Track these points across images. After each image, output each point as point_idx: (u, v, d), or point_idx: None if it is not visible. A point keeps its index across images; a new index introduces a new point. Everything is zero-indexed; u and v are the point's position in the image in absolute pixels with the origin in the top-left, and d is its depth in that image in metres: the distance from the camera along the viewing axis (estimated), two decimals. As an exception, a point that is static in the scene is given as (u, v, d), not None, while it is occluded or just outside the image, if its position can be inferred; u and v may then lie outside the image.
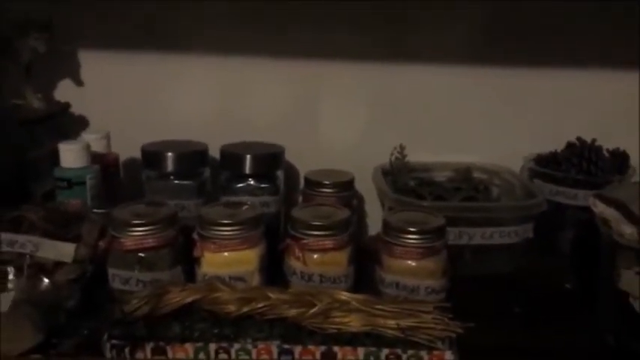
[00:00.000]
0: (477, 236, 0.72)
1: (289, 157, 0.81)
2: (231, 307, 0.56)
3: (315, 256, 0.63)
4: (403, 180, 0.81)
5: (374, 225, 0.85)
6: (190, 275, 0.64)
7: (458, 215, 0.71)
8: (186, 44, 0.85)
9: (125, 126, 0.83)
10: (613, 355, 0.60)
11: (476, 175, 0.85)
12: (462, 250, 0.73)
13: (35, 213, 0.65)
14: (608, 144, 0.81)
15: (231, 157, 0.76)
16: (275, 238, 0.70)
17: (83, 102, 0.86)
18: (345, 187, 0.79)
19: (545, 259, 0.78)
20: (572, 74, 0.84)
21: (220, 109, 0.87)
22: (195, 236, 0.64)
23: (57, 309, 0.59)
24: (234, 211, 0.66)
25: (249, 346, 0.54)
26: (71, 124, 0.85)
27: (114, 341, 0.54)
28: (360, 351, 0.54)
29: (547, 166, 0.80)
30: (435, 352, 0.53)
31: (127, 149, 0.82)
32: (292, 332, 0.55)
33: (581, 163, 0.78)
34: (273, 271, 0.66)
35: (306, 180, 0.80)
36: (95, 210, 0.70)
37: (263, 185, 0.76)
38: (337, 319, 0.55)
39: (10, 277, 0.61)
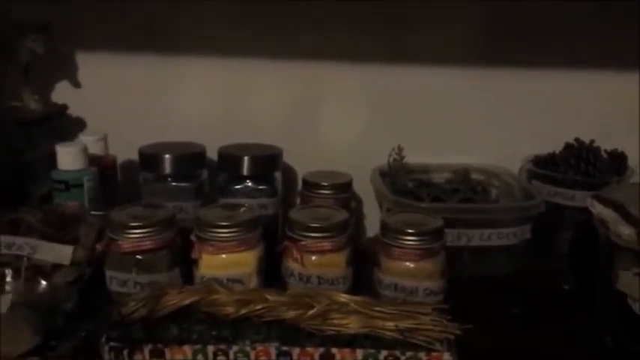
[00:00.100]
0: (476, 238, 0.72)
1: (288, 158, 0.81)
2: (230, 309, 0.56)
3: (313, 257, 0.63)
4: (401, 181, 0.81)
5: (372, 226, 0.85)
6: (188, 277, 0.64)
7: (456, 217, 0.71)
8: (185, 45, 0.84)
9: (123, 128, 0.82)
10: (611, 356, 0.60)
11: (474, 176, 0.85)
12: (461, 251, 0.73)
13: (33, 215, 0.65)
14: (607, 145, 0.81)
15: (229, 158, 0.76)
16: (273, 239, 0.70)
17: (81, 104, 0.86)
18: (343, 189, 0.79)
19: (543, 261, 0.78)
20: (571, 75, 0.84)
21: (220, 110, 0.87)
22: (192, 238, 0.64)
23: (55, 311, 0.59)
24: (232, 213, 0.65)
25: (248, 348, 0.54)
26: (68, 126, 0.85)
27: (112, 343, 0.54)
28: (359, 353, 0.54)
29: (545, 167, 0.80)
30: (434, 354, 0.53)
31: (125, 151, 0.81)
32: (291, 334, 0.55)
33: (579, 164, 0.78)
34: (271, 273, 0.66)
35: (304, 181, 0.80)
36: (93, 212, 0.70)
37: (261, 187, 0.75)
38: (336, 321, 0.55)
39: (8, 279, 0.60)
